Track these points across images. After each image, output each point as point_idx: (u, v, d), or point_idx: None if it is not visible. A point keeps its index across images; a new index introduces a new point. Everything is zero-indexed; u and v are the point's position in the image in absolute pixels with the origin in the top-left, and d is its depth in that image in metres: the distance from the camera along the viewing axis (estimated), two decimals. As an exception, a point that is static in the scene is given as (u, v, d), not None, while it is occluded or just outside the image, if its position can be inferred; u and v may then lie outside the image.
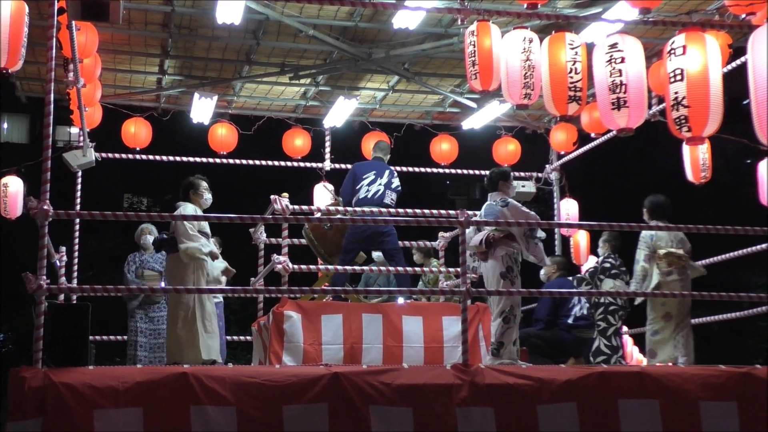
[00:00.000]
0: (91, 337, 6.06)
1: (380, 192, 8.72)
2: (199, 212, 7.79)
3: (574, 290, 8.92)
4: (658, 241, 8.08)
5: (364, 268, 8.51)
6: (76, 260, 10.45)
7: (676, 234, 8.14)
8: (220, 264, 8.35)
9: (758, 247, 9.26)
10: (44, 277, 5.79)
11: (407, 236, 9.41)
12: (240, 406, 5.61)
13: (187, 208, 7.75)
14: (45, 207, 5.83)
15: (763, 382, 6.16)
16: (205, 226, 7.86)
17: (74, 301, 9.44)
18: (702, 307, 15.90)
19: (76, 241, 10.50)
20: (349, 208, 8.54)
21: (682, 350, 7.94)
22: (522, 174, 11.59)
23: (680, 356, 7.92)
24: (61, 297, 8.92)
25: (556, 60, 6.97)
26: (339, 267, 8.40)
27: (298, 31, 9.51)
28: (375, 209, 8.41)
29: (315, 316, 7.77)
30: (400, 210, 8.49)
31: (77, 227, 10.53)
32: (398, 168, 9.31)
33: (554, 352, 8.72)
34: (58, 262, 9.36)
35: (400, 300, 8.59)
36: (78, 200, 10.57)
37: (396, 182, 8.87)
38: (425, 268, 9.64)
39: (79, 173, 10.42)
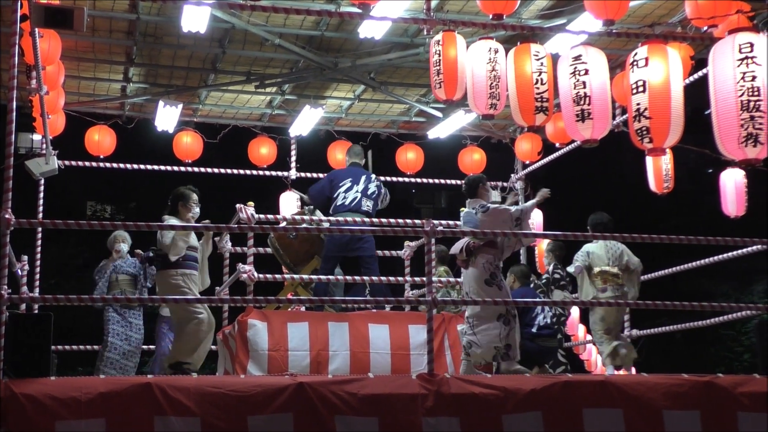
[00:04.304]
0: (53, 347, 5.98)
1: (357, 199, 8.71)
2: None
3: (539, 300, 8.96)
4: (594, 259, 8.31)
5: (321, 277, 8.50)
6: (38, 269, 10.33)
7: (614, 252, 8.34)
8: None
9: (720, 256, 9.37)
10: (5, 287, 5.71)
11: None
12: (204, 417, 5.56)
13: (172, 223, 7.73)
14: (6, 216, 5.75)
15: (726, 390, 6.22)
16: (193, 240, 7.83)
17: (36, 311, 9.35)
18: (665, 315, 16.18)
19: (38, 249, 10.39)
20: (322, 217, 8.53)
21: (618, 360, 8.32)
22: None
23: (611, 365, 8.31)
24: (23, 306, 8.82)
25: (522, 71, 7.02)
26: (318, 276, 8.43)
27: (264, 40, 9.49)
28: (351, 217, 8.41)
29: (280, 325, 7.76)
30: (366, 219, 8.49)
31: (39, 236, 10.41)
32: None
33: (518, 361, 8.76)
34: (19, 271, 9.25)
35: None
36: (41, 208, 10.44)
37: (372, 188, 8.84)
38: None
39: (42, 181, 10.29)
